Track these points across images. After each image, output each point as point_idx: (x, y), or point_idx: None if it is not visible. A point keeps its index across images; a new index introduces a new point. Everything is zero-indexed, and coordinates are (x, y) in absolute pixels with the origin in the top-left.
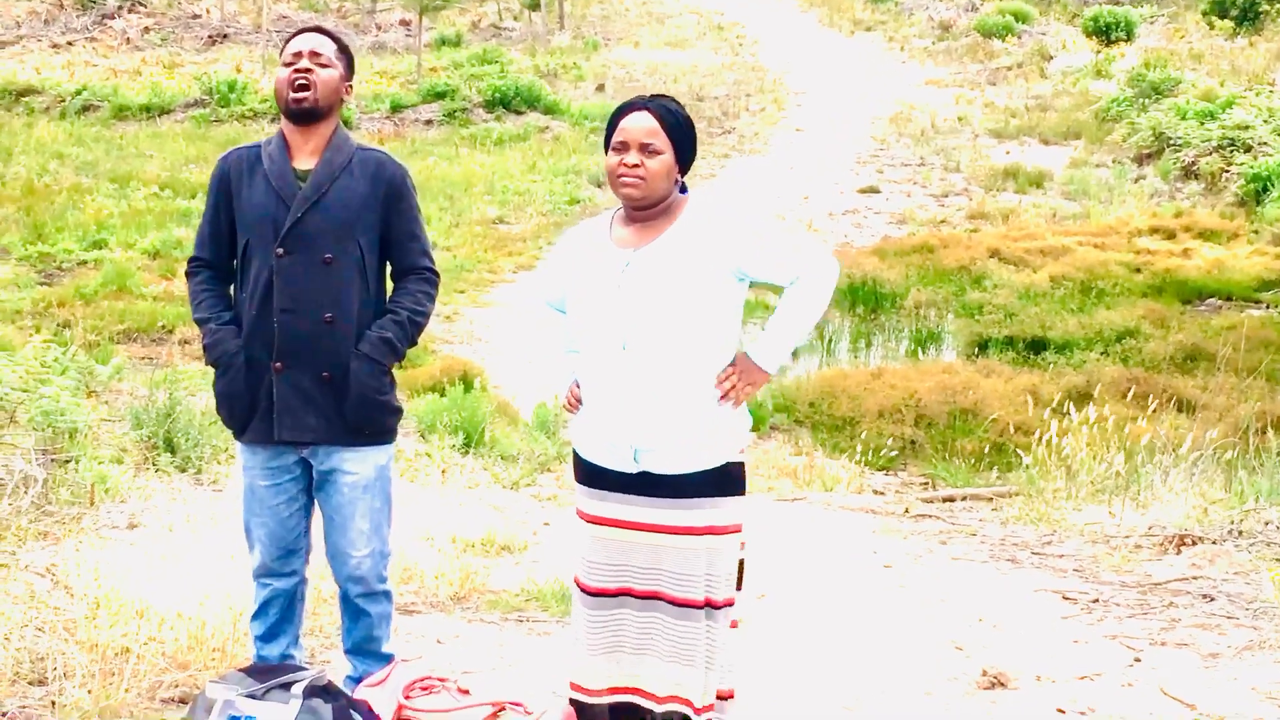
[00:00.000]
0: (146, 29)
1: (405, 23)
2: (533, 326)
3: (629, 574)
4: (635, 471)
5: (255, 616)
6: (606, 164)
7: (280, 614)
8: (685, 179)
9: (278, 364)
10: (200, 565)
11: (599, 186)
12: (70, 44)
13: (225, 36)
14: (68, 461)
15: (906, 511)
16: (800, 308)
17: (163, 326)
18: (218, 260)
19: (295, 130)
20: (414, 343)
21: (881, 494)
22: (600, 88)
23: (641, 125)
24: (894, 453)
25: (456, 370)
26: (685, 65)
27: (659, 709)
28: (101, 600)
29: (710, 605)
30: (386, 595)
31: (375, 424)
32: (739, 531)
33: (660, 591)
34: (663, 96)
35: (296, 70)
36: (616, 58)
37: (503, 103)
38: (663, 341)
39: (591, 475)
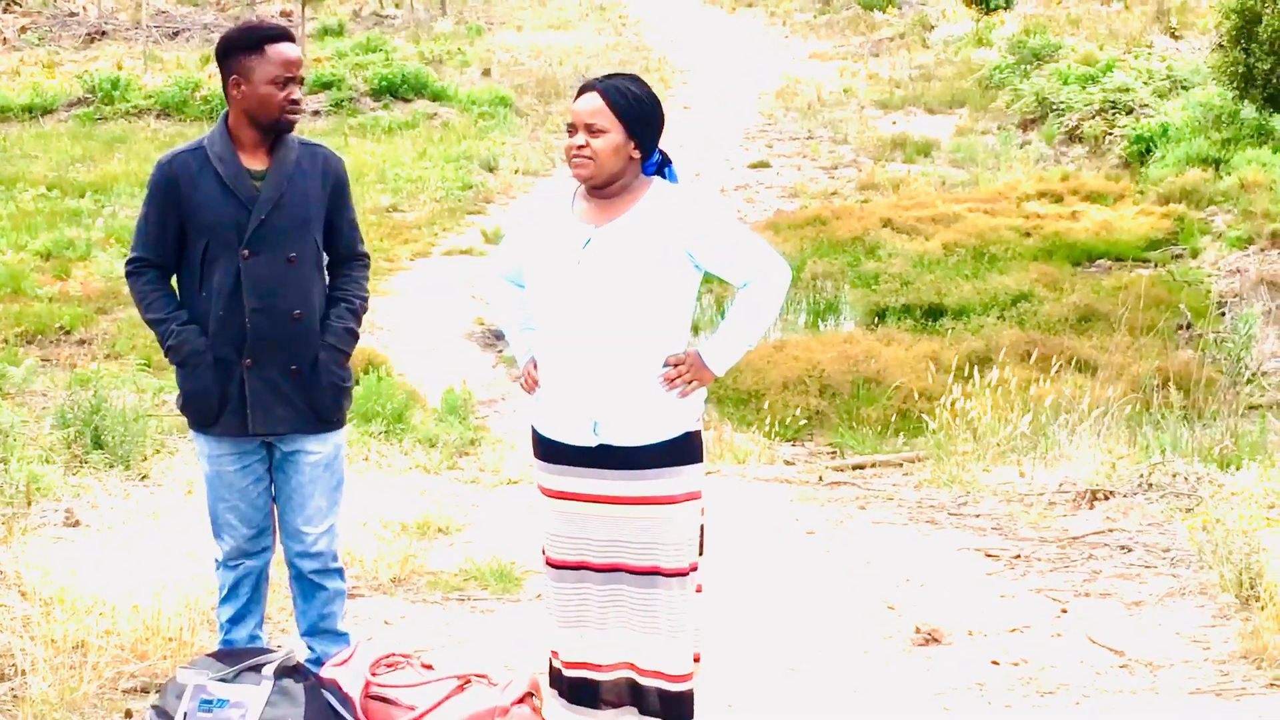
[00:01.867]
0: (23, 29)
1: (287, 14)
2: (491, 300)
3: (588, 548)
4: (595, 445)
5: (225, 600)
6: (565, 144)
7: (250, 594)
8: (670, 158)
9: (248, 360)
10: (147, 558)
11: (490, 171)
12: None
13: (104, 34)
14: None
15: (820, 480)
16: (750, 312)
17: (60, 328)
18: (163, 260)
19: (250, 131)
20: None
21: (792, 464)
22: (486, 72)
23: (588, 106)
24: (802, 423)
25: (362, 359)
26: (569, 47)
27: (645, 682)
28: (55, 596)
29: (676, 574)
30: (339, 573)
31: (341, 410)
32: (698, 498)
33: (620, 563)
34: (620, 76)
35: (293, 98)
36: (500, 41)
37: (390, 91)
38: (621, 318)
39: (550, 451)
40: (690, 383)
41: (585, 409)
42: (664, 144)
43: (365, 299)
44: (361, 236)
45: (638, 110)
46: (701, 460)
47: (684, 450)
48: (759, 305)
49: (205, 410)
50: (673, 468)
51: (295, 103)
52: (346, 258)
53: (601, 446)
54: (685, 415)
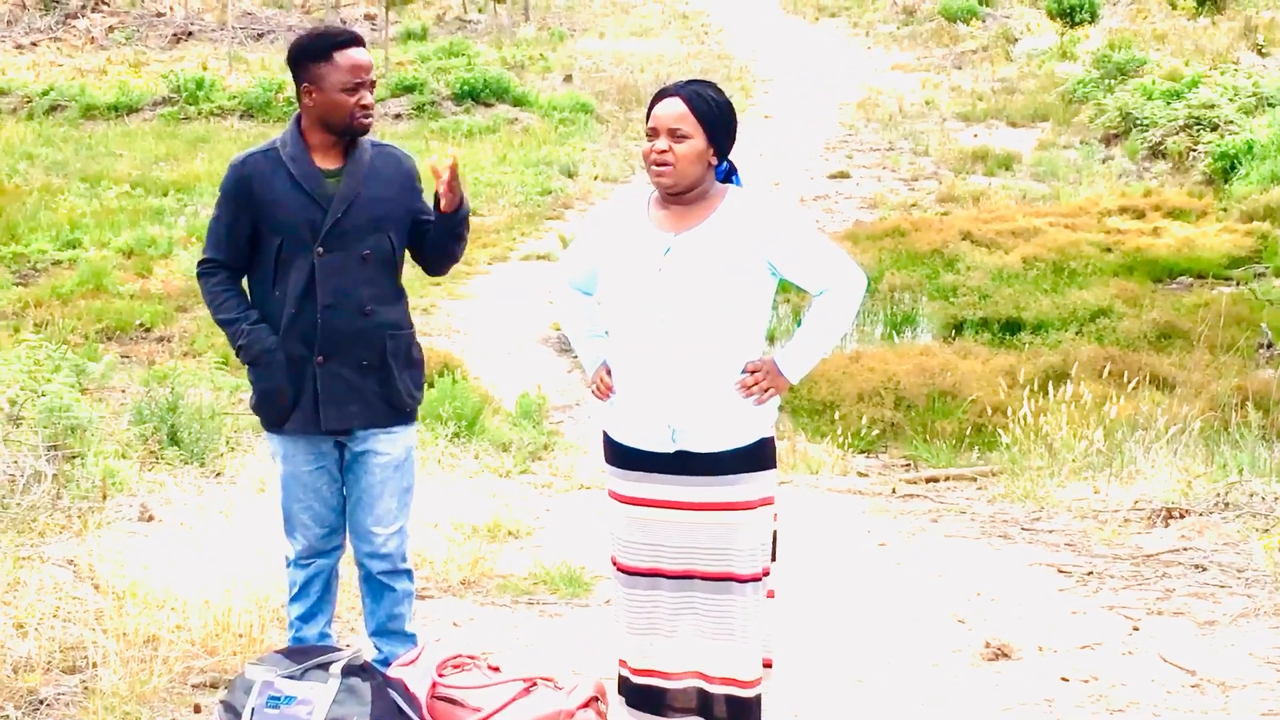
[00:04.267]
0: (111, 28)
1: (371, 17)
2: (557, 307)
3: (661, 554)
4: (672, 451)
5: (295, 599)
6: (643, 149)
7: (320, 593)
8: (738, 169)
9: (319, 358)
10: (220, 555)
11: (570, 177)
12: (34, 44)
13: (190, 34)
14: (74, 457)
15: (894, 492)
16: (826, 321)
17: (140, 325)
18: (235, 262)
19: (323, 135)
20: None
21: (865, 476)
22: (568, 78)
23: (671, 111)
24: (875, 435)
25: (437, 362)
26: (651, 54)
27: (714, 689)
28: (127, 590)
29: (750, 579)
30: (408, 574)
31: (413, 397)
32: (772, 503)
33: (694, 570)
34: (700, 81)
35: (364, 104)
36: (583, 48)
37: (471, 95)
38: (700, 325)
39: (625, 457)
40: (766, 390)
41: (663, 415)
42: (743, 153)
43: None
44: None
45: (718, 115)
46: (775, 466)
47: (759, 456)
48: (834, 314)
49: (278, 409)
50: (749, 474)
51: (366, 108)
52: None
53: (678, 453)
54: (761, 422)
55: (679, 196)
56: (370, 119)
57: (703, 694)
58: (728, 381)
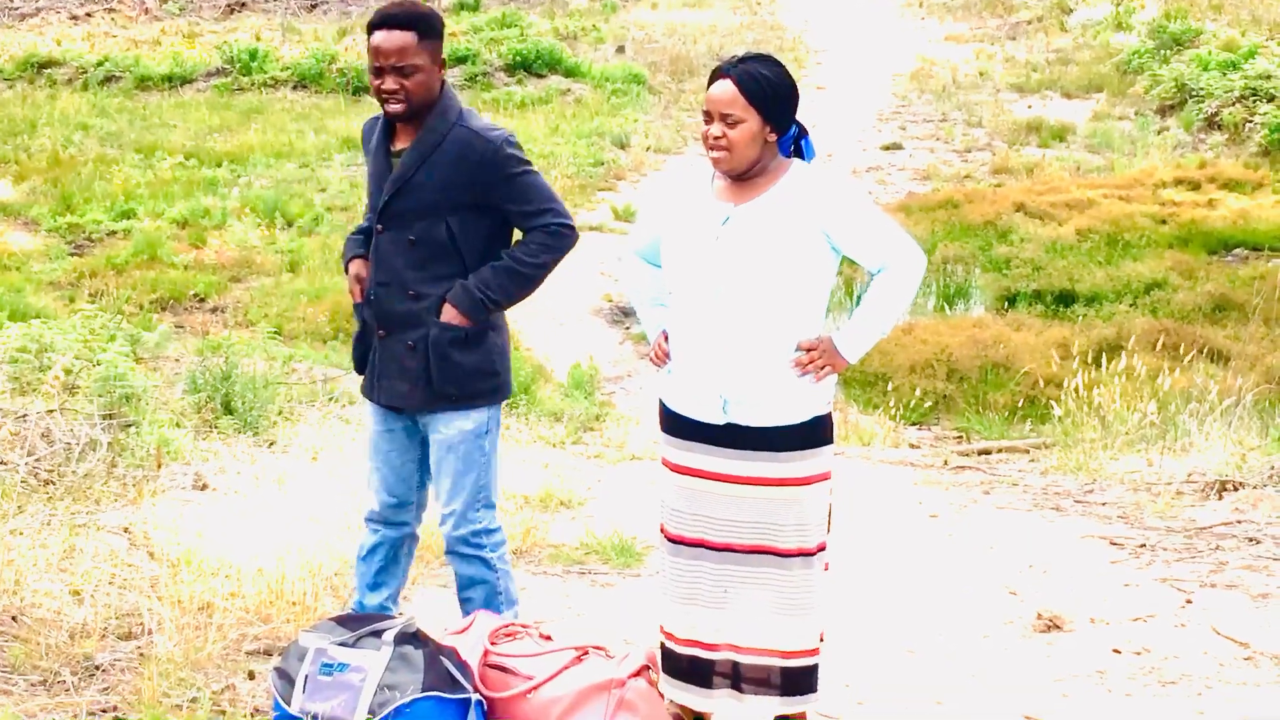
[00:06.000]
0: None
1: None
2: (623, 276)
3: (709, 525)
4: (723, 423)
5: (363, 558)
6: (701, 130)
7: (384, 562)
8: (808, 133)
9: (380, 331)
10: (273, 523)
11: (623, 148)
12: (89, 15)
13: (243, 5)
14: (129, 426)
15: (945, 464)
16: (884, 299)
17: (195, 295)
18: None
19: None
20: (520, 296)
21: (917, 447)
22: (620, 49)
23: (722, 95)
24: (928, 406)
25: None
26: (704, 25)
27: (746, 660)
28: (182, 558)
29: (801, 553)
30: (479, 561)
31: (458, 385)
32: (829, 479)
33: (735, 543)
34: (753, 58)
35: (382, 89)
36: (635, 19)
37: (524, 66)
38: (756, 297)
39: (677, 426)
40: (823, 369)
41: (715, 386)
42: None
43: (526, 263)
44: (545, 209)
45: (771, 94)
46: (831, 442)
47: (814, 434)
48: (893, 292)
49: (359, 366)
50: (803, 450)
51: (384, 92)
52: (526, 231)
53: (729, 425)
54: (816, 400)
55: (742, 173)
56: (392, 104)
57: (744, 666)
58: (781, 356)
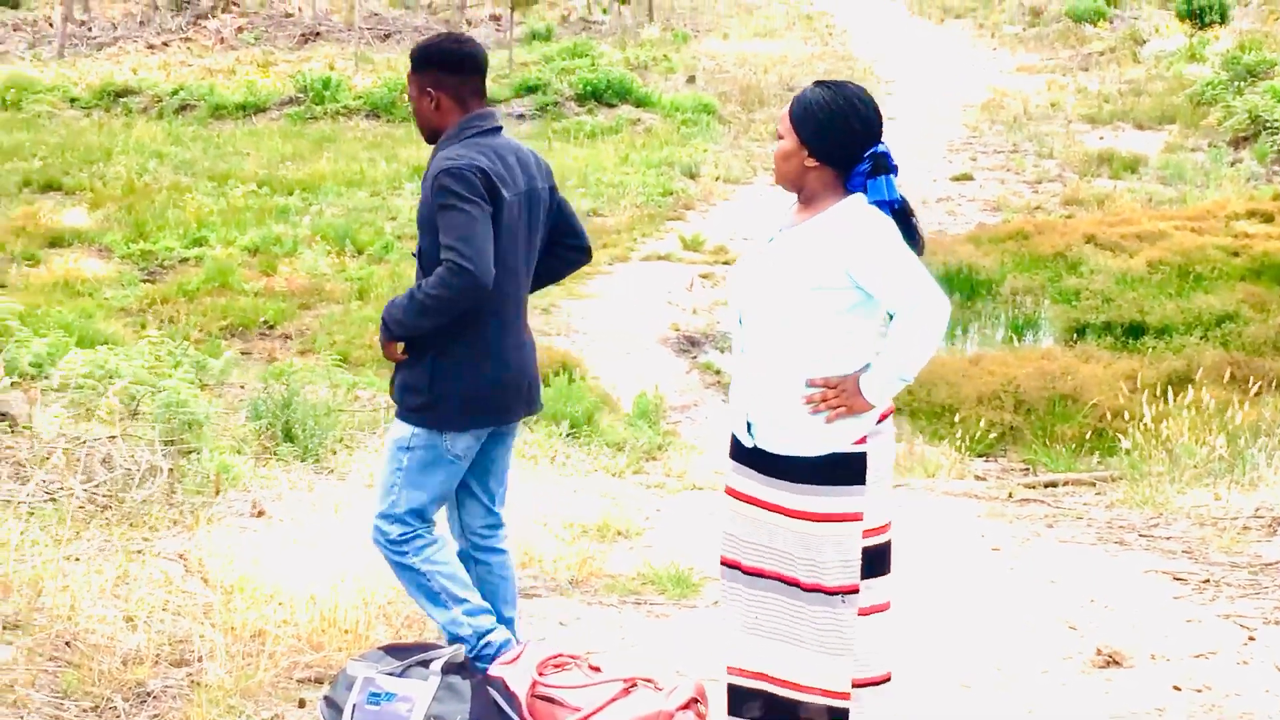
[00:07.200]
0: (240, 28)
1: (496, 18)
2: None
3: (741, 548)
4: (751, 446)
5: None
6: None
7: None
8: (889, 167)
9: None
10: (328, 550)
11: (691, 178)
12: (166, 44)
13: (318, 34)
14: (190, 452)
15: (1010, 496)
16: (900, 343)
17: (265, 322)
18: None
19: None
20: (416, 323)
21: (983, 479)
22: (691, 79)
23: (782, 111)
24: (993, 438)
25: (555, 361)
26: (775, 55)
27: (798, 697)
28: (236, 585)
29: (820, 590)
30: (398, 565)
31: (400, 400)
32: (853, 521)
33: (765, 569)
34: (825, 83)
35: None
36: (706, 49)
37: (594, 96)
38: (771, 322)
39: (730, 445)
40: (839, 406)
41: (743, 407)
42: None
43: (428, 295)
44: (453, 245)
45: (808, 117)
46: (859, 484)
47: (831, 471)
48: (909, 336)
49: None
50: (819, 485)
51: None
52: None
53: (756, 449)
54: (833, 437)
55: (798, 196)
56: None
57: (781, 698)
58: (791, 387)
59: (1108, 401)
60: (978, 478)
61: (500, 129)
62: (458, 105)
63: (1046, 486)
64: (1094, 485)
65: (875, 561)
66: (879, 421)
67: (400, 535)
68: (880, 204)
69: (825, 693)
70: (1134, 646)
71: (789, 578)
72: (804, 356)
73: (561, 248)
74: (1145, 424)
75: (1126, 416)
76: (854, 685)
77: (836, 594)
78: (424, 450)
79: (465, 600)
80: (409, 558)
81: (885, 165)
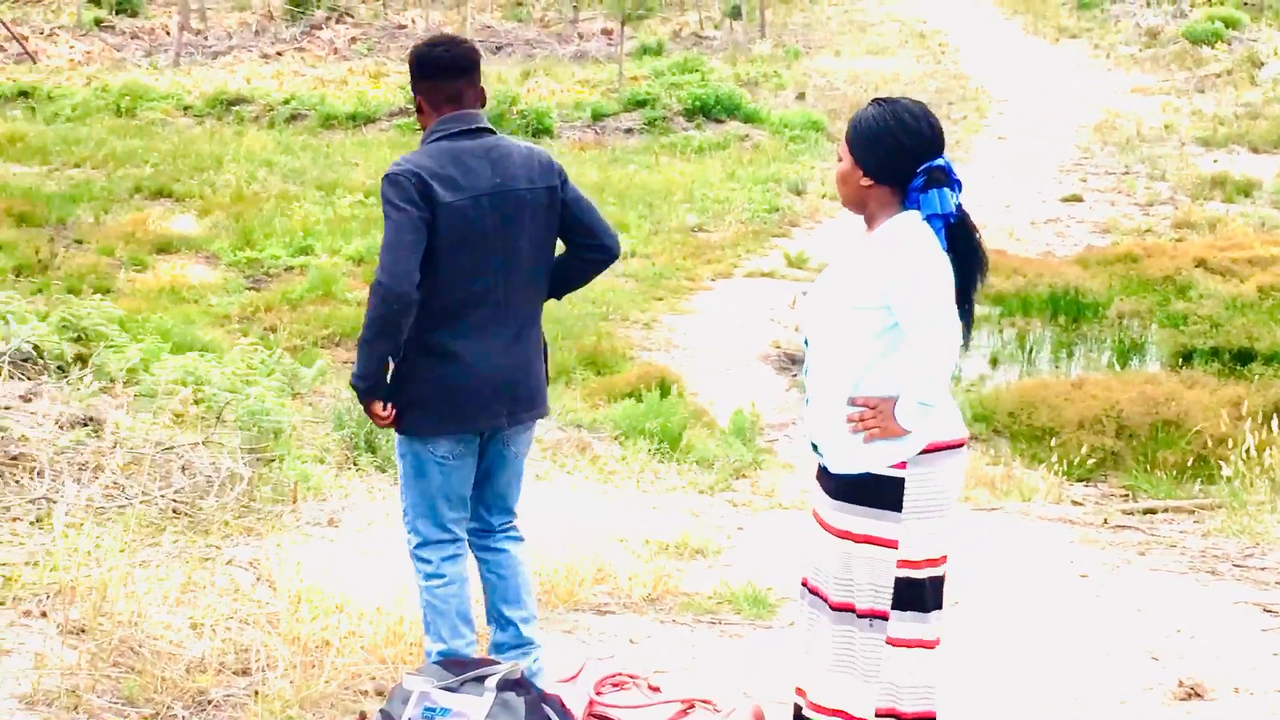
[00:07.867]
0: (353, 39)
1: (607, 32)
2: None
3: (807, 568)
4: (819, 462)
5: None
6: None
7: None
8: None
9: None
10: (396, 562)
11: (798, 194)
12: (279, 54)
13: None
14: (271, 460)
15: (1105, 522)
16: (910, 367)
17: None
18: None
19: None
20: (368, 360)
21: (1080, 505)
22: (801, 96)
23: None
24: (1092, 463)
25: (654, 376)
26: (887, 73)
27: (817, 718)
28: (303, 595)
29: (847, 609)
30: (422, 574)
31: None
32: (886, 547)
33: (817, 588)
34: (883, 100)
35: None
36: (818, 66)
37: (703, 111)
38: (822, 338)
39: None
40: (875, 428)
41: (809, 426)
42: (976, 174)
43: (363, 328)
44: (382, 262)
45: (860, 138)
46: (894, 510)
47: (864, 491)
48: (914, 360)
49: None
50: (856, 505)
51: None
52: None
53: (822, 467)
54: (868, 457)
55: (863, 217)
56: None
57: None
58: (834, 404)
59: (1211, 428)
60: (1075, 503)
61: (478, 131)
62: (432, 109)
63: (1145, 513)
64: (1193, 513)
65: (914, 595)
66: (925, 451)
67: (415, 544)
68: (934, 218)
69: (844, 715)
70: (1217, 679)
71: (824, 594)
72: (846, 376)
73: (578, 248)
74: (1248, 451)
75: (1230, 444)
76: (878, 714)
77: (865, 617)
78: (411, 456)
79: (443, 643)
80: (420, 579)
81: (943, 178)
